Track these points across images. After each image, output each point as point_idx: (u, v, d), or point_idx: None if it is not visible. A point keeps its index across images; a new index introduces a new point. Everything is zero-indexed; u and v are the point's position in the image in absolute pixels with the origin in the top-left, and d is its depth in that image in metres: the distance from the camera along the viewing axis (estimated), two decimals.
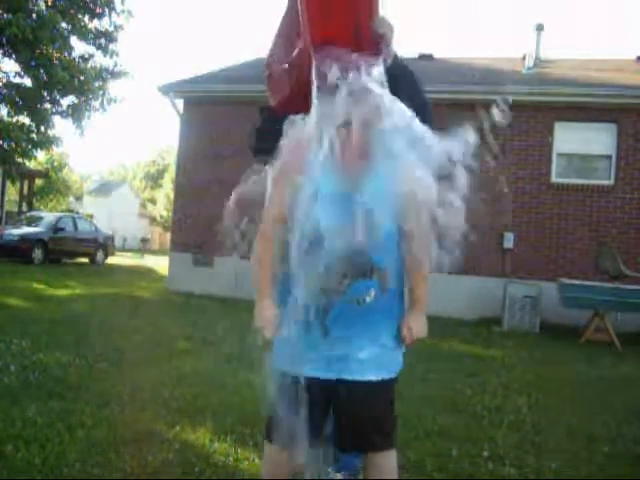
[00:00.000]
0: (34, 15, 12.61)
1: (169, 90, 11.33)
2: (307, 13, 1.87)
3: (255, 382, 3.90)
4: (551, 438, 3.47)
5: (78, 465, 2.60)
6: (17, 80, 13.54)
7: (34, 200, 25.50)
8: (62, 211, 29.92)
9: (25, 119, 13.50)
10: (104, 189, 48.03)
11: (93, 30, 13.94)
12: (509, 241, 9.56)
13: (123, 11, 14.07)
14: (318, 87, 1.74)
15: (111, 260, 18.76)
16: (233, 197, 1.85)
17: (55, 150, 20.93)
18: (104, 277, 13.32)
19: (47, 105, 13.77)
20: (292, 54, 2.02)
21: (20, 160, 14.14)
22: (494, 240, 9.44)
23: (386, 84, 1.70)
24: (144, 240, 38.86)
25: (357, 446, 1.85)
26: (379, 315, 1.78)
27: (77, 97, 13.78)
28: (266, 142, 1.95)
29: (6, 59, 13.39)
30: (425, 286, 1.84)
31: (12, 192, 25.66)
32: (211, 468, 2.69)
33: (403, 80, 1.98)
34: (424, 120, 1.74)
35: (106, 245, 18.30)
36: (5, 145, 12.97)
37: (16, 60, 13.15)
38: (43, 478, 2.47)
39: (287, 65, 2.08)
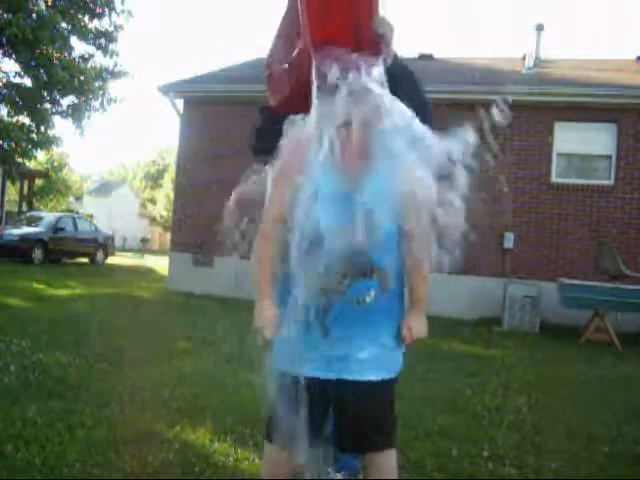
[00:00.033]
0: (34, 15, 12.61)
1: (169, 90, 11.33)
2: (307, 13, 1.87)
3: (255, 382, 3.90)
4: (551, 438, 3.47)
5: (78, 465, 2.60)
6: (17, 80, 13.56)
7: (34, 200, 25.50)
8: (62, 211, 29.92)
9: (25, 119, 13.52)
10: (104, 189, 48.03)
11: (93, 30, 13.95)
12: (509, 241, 9.56)
13: (123, 11, 14.09)
14: (318, 87, 1.74)
15: (111, 260, 18.76)
16: (233, 197, 1.85)
17: (55, 150, 20.95)
18: (104, 277, 13.32)
19: (47, 105, 13.78)
20: (292, 54, 2.02)
21: (20, 160, 14.15)
22: (494, 240, 9.44)
23: (386, 84, 1.70)
24: (144, 240, 38.86)
25: (357, 446, 1.85)
26: (379, 315, 1.78)
27: (77, 97, 13.78)
28: (266, 142, 1.95)
29: (6, 59, 13.40)
30: (425, 286, 1.84)
31: (12, 192, 25.66)
32: (211, 468, 2.69)
33: (403, 80, 1.98)
34: (424, 120, 1.74)
35: (106, 245, 18.30)
36: (5, 145, 12.97)
37: (16, 60, 13.15)
38: (43, 478, 2.47)
39: (287, 65, 2.08)
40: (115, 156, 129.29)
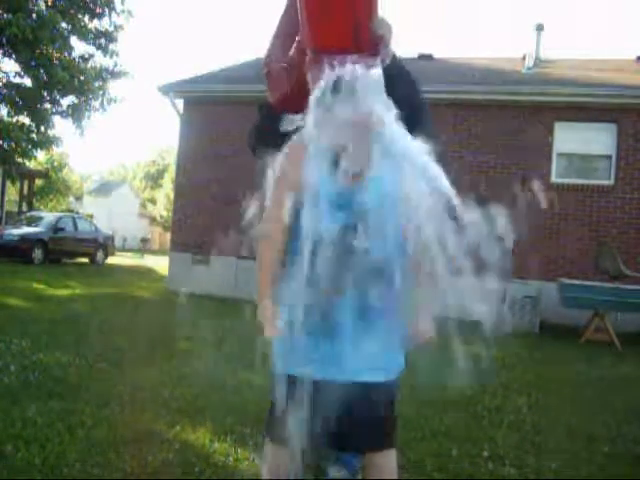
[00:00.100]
0: (34, 15, 12.62)
1: (169, 90, 11.33)
2: (306, 13, 1.87)
3: (255, 382, 3.91)
4: (551, 438, 3.47)
5: (78, 465, 2.60)
6: (17, 80, 13.57)
7: (34, 200, 25.51)
8: (62, 211, 29.93)
9: (25, 119, 13.53)
10: (104, 189, 48.04)
11: (93, 30, 13.96)
12: (509, 241, 9.55)
13: (123, 11, 14.11)
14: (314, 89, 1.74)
15: (111, 260, 18.76)
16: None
17: (55, 150, 20.96)
18: (104, 277, 13.32)
19: (47, 105, 13.78)
20: (290, 53, 2.03)
21: (20, 160, 14.15)
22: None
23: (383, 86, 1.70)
24: (144, 240, 38.87)
25: (356, 446, 1.85)
26: (382, 316, 1.77)
27: (77, 97, 13.79)
28: (265, 141, 1.95)
29: (6, 59, 13.41)
30: (429, 287, 1.82)
31: (12, 192, 25.66)
32: (211, 468, 2.69)
33: (400, 80, 1.98)
34: (421, 120, 1.74)
35: (106, 245, 18.30)
36: (5, 145, 12.97)
37: (16, 60, 13.16)
38: (43, 478, 2.47)
39: (287, 65, 2.08)
40: (115, 156, 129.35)
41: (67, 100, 13.87)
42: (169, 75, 70.24)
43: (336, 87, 1.66)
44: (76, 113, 13.84)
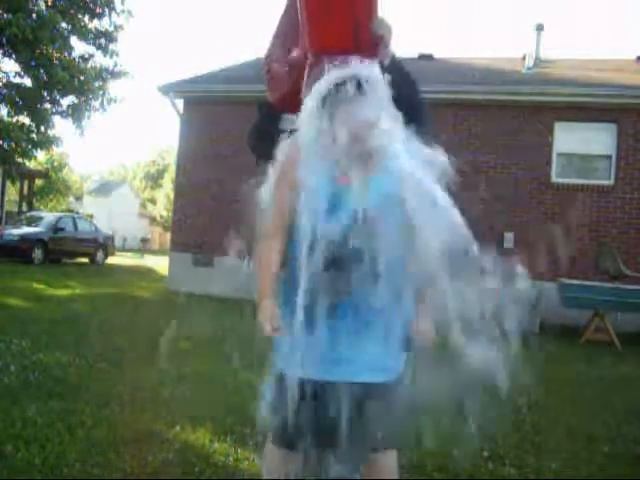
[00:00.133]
0: (34, 15, 12.62)
1: (169, 90, 11.33)
2: (306, 14, 1.88)
3: (255, 382, 3.90)
4: (551, 438, 3.47)
5: (78, 465, 2.60)
6: (17, 80, 13.58)
7: (34, 200, 25.51)
8: (62, 211, 29.92)
9: (25, 119, 13.53)
10: (104, 189, 48.04)
11: (93, 30, 13.96)
12: (509, 241, 9.56)
13: (123, 11, 14.11)
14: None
15: (111, 260, 18.76)
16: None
17: (55, 150, 20.96)
18: (104, 277, 13.32)
19: (47, 105, 13.79)
20: (290, 53, 2.03)
21: (20, 160, 14.16)
22: (494, 240, 9.44)
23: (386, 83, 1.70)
24: (144, 240, 38.88)
25: (357, 446, 1.85)
26: (384, 317, 1.76)
27: (77, 97, 13.79)
28: (265, 141, 1.95)
29: (6, 59, 13.42)
30: (430, 288, 1.82)
31: (12, 192, 25.66)
32: (211, 468, 2.69)
33: (400, 81, 1.98)
34: (420, 120, 1.74)
35: (106, 245, 18.30)
36: (5, 145, 12.98)
37: (16, 60, 13.16)
38: (43, 478, 2.47)
39: (287, 65, 2.08)
40: (115, 156, 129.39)
41: (67, 100, 13.89)
42: (169, 75, 70.31)
43: (341, 88, 1.66)
44: (76, 113, 13.84)
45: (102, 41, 14.03)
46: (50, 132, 13.77)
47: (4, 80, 13.49)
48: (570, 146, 9.83)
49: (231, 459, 2.82)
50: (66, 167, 41.48)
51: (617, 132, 9.56)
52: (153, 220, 48.24)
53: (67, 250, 16.43)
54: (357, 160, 1.68)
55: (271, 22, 2.31)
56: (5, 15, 12.20)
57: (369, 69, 1.69)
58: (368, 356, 1.75)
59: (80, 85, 13.39)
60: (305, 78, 1.83)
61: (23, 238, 14.60)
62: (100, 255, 17.74)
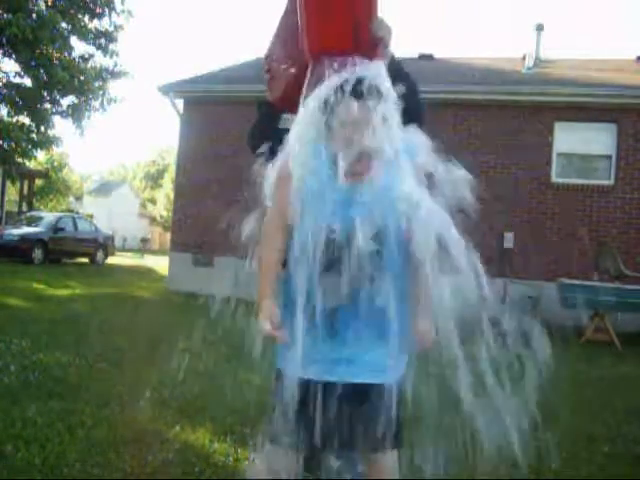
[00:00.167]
0: (34, 15, 12.63)
1: (169, 90, 11.34)
2: (305, 14, 1.87)
3: (255, 382, 3.90)
4: (551, 438, 3.47)
5: (78, 465, 2.60)
6: (17, 80, 13.59)
7: (34, 200, 25.51)
8: (62, 211, 29.93)
9: (25, 119, 13.55)
10: (104, 189, 48.06)
11: (93, 30, 13.97)
12: (509, 241, 9.57)
13: (123, 11, 14.13)
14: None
15: (111, 260, 18.76)
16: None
17: (55, 150, 20.96)
18: (104, 277, 13.32)
19: (47, 105, 13.79)
20: (290, 53, 2.03)
21: (20, 160, 14.16)
22: (494, 240, 9.44)
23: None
24: (144, 240, 38.89)
25: (358, 447, 1.85)
26: (385, 318, 1.76)
27: (77, 97, 13.80)
28: (265, 140, 1.95)
29: (6, 59, 13.42)
30: (431, 288, 1.81)
31: (12, 192, 25.66)
32: (211, 468, 2.69)
33: (399, 82, 1.98)
34: (420, 121, 1.74)
35: (106, 245, 18.31)
36: (5, 145, 12.98)
37: (16, 60, 13.17)
38: (43, 478, 2.47)
39: (287, 65, 2.08)
40: (115, 156, 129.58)
41: (67, 100, 13.90)
42: (169, 75, 70.31)
43: (343, 90, 1.65)
44: (76, 113, 13.85)
45: (102, 41, 14.04)
46: (50, 132, 13.80)
47: (4, 80, 13.50)
48: (570, 146, 9.84)
49: (231, 459, 2.81)
50: (66, 167, 41.50)
51: (617, 132, 9.57)
52: (153, 220, 48.26)
53: (67, 250, 16.44)
54: (357, 161, 1.68)
55: (271, 22, 2.31)
56: (5, 15, 12.21)
57: (375, 70, 1.69)
58: (368, 356, 1.75)
59: (80, 85, 13.39)
60: (307, 79, 1.83)
61: (23, 238, 14.61)
62: (100, 255, 17.74)
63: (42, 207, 32.99)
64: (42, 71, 13.00)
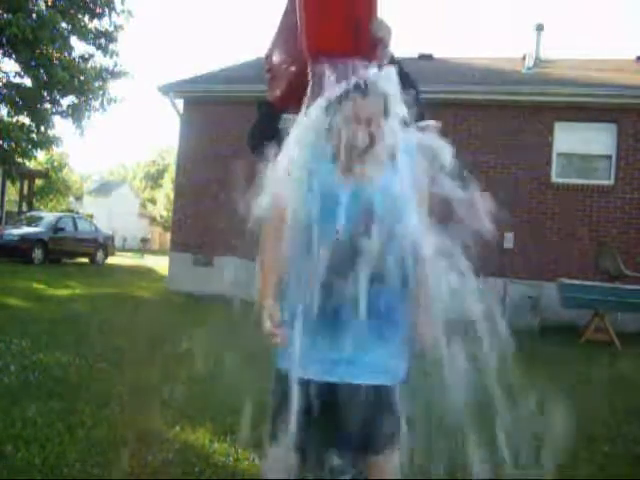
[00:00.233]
0: (34, 15, 12.63)
1: (169, 90, 11.33)
2: (305, 15, 1.87)
3: (255, 382, 3.90)
4: (550, 438, 3.46)
5: (78, 465, 2.60)
6: (17, 80, 13.59)
7: (34, 200, 25.51)
8: (62, 211, 29.93)
9: (25, 119, 13.54)
10: (104, 189, 48.05)
11: (93, 30, 13.97)
12: (509, 241, 9.57)
13: (123, 11, 14.13)
14: (319, 87, 1.74)
15: (111, 260, 18.76)
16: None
17: (55, 150, 20.97)
18: (104, 277, 13.32)
19: (47, 105, 13.79)
20: (291, 52, 2.03)
21: (20, 160, 14.16)
22: (494, 240, 9.43)
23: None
24: (144, 240, 38.89)
25: (359, 448, 1.85)
26: (387, 318, 1.76)
27: (77, 97, 13.80)
28: (265, 140, 1.95)
29: (6, 59, 13.42)
30: (430, 289, 1.81)
31: (12, 192, 25.66)
32: (211, 468, 2.69)
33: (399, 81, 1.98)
34: (420, 121, 1.74)
35: (106, 245, 18.31)
36: (5, 145, 12.98)
37: (16, 60, 13.17)
38: (43, 478, 2.47)
39: (287, 64, 2.08)
40: (115, 156, 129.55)
41: (67, 100, 13.90)
42: (169, 75, 70.30)
43: (347, 90, 1.66)
44: (76, 113, 13.85)
45: (102, 41, 14.04)
46: (50, 132, 13.79)
47: (4, 80, 13.50)
48: (570, 146, 9.83)
49: (231, 459, 2.82)
50: (66, 167, 41.50)
51: (617, 132, 9.56)
52: (153, 220, 48.25)
53: (67, 250, 16.44)
54: (360, 161, 1.68)
55: (271, 22, 2.31)
56: (5, 15, 12.21)
57: (386, 74, 1.69)
58: (369, 357, 1.75)
59: (80, 85, 13.39)
60: (310, 80, 1.83)
61: (23, 238, 14.61)
62: (100, 255, 17.74)
63: (42, 207, 32.99)
64: (42, 71, 13.00)
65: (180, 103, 11.49)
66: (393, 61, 2.01)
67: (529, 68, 11.50)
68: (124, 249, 32.56)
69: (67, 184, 40.07)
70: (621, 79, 10.53)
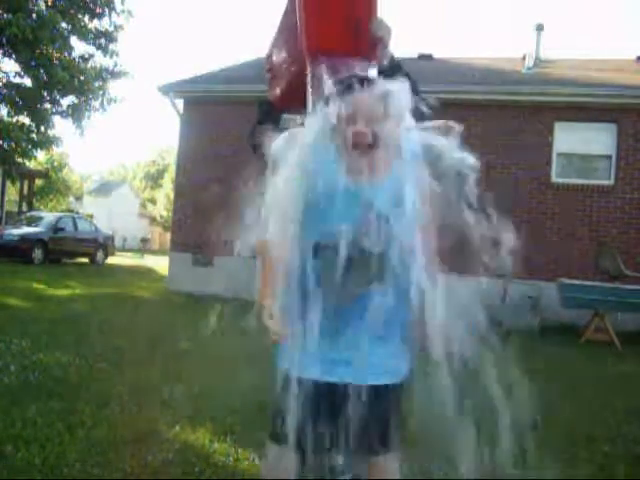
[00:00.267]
0: (34, 15, 12.63)
1: (169, 90, 11.34)
2: (305, 15, 1.87)
3: (256, 382, 3.90)
4: (551, 438, 3.47)
5: (78, 465, 2.60)
6: (17, 80, 13.58)
7: (34, 200, 25.51)
8: (62, 211, 29.93)
9: (25, 119, 13.53)
10: (104, 189, 48.05)
11: (93, 30, 13.97)
12: (509, 241, 9.55)
13: (123, 11, 14.12)
14: (318, 87, 1.73)
15: (111, 260, 18.76)
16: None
17: (55, 150, 20.96)
18: (104, 277, 13.32)
19: (47, 105, 13.79)
20: (292, 51, 2.03)
21: (20, 160, 14.16)
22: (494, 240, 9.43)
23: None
24: (144, 240, 38.89)
25: (359, 448, 1.85)
26: (389, 319, 1.76)
27: (77, 97, 13.79)
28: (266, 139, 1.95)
29: (6, 59, 13.42)
30: (431, 289, 1.81)
31: (12, 192, 25.66)
32: (211, 468, 2.69)
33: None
34: (420, 121, 1.73)
35: (106, 245, 18.31)
36: (5, 145, 12.98)
37: (16, 60, 13.16)
38: (43, 478, 2.47)
39: (288, 64, 2.09)
40: (115, 156, 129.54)
41: (67, 100, 13.89)
42: (169, 75, 70.33)
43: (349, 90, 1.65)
44: (76, 113, 13.84)
45: (102, 41, 14.03)
46: (50, 132, 13.78)
47: (4, 80, 13.49)
48: (570, 146, 9.83)
49: (231, 459, 2.82)
50: (66, 167, 41.49)
51: (617, 132, 9.56)
52: (153, 220, 48.25)
53: (67, 250, 16.44)
54: (365, 160, 1.68)
55: (271, 22, 2.31)
56: (5, 15, 12.20)
57: (398, 87, 1.68)
58: (370, 358, 1.75)
59: (80, 85, 13.39)
60: (309, 80, 1.83)
61: (23, 238, 14.61)
62: (100, 255, 17.74)
63: (42, 207, 32.99)
64: (42, 71, 13.00)
65: (180, 103, 11.50)
66: (393, 61, 2.01)
67: (529, 68, 11.50)
68: (124, 249, 32.56)
69: (67, 184, 40.07)
70: (621, 79, 10.52)
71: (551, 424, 3.75)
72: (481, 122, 9.92)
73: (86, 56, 14.22)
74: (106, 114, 14.68)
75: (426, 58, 12.81)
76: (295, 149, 1.73)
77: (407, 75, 2.17)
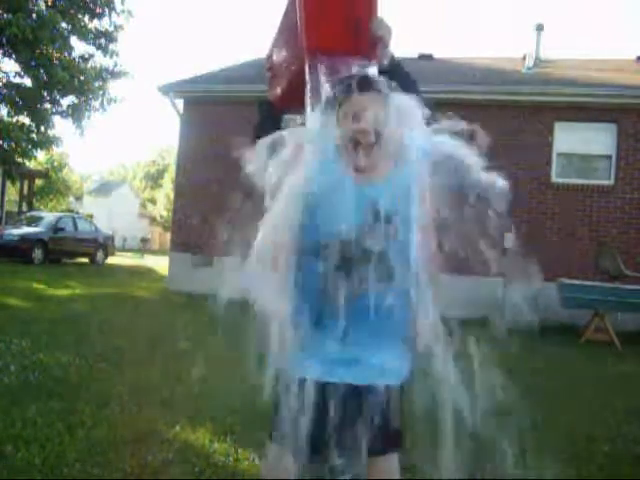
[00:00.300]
0: (34, 15, 12.63)
1: (169, 90, 11.34)
2: (304, 14, 1.87)
3: (255, 382, 3.90)
4: (551, 438, 3.47)
5: (78, 465, 2.60)
6: (17, 80, 13.59)
7: (34, 200, 25.51)
8: (62, 211, 29.93)
9: (25, 119, 13.54)
10: (104, 189, 48.05)
11: (93, 30, 13.97)
12: (509, 241, 9.55)
13: (123, 11, 14.12)
14: (318, 87, 1.74)
15: (111, 260, 18.76)
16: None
17: (55, 150, 20.97)
18: (104, 277, 13.32)
19: (47, 105, 13.79)
20: (293, 51, 2.03)
21: (20, 160, 14.16)
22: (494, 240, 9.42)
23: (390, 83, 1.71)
24: (144, 240, 38.89)
25: (359, 449, 1.84)
26: (391, 319, 1.75)
27: (77, 97, 13.80)
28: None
29: (6, 59, 13.42)
30: (435, 289, 1.81)
31: (12, 192, 25.66)
32: (211, 468, 2.69)
33: (399, 82, 1.98)
34: None
35: (106, 245, 18.31)
36: (5, 145, 12.98)
37: (16, 60, 13.16)
38: (43, 478, 2.47)
39: (288, 64, 2.08)
40: (115, 156, 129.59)
41: (67, 100, 13.90)
42: (169, 75, 70.34)
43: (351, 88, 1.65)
44: (76, 113, 13.84)
45: (102, 41, 14.04)
46: (50, 132, 13.79)
47: (4, 80, 13.50)
48: (570, 146, 9.83)
49: (231, 459, 2.82)
50: (66, 167, 41.50)
51: (617, 132, 9.56)
52: (153, 220, 48.25)
53: (67, 250, 16.44)
54: (368, 159, 1.68)
55: (271, 22, 2.31)
56: (5, 15, 12.21)
57: (410, 101, 1.69)
58: (372, 358, 1.74)
59: (80, 85, 13.39)
60: (308, 80, 1.83)
61: (23, 238, 14.61)
62: (100, 255, 17.74)
63: (42, 207, 32.99)
64: (42, 71, 13.00)
65: (180, 103, 11.49)
66: (393, 61, 2.01)
67: (529, 68, 11.50)
68: (124, 249, 32.56)
69: (67, 184, 40.08)
70: (621, 79, 10.53)
71: (551, 424, 3.76)
72: (481, 122, 9.88)
73: (86, 56, 14.23)
74: (106, 114, 14.71)
75: (426, 58, 12.81)
76: (295, 149, 1.73)
77: (407, 75, 2.17)
